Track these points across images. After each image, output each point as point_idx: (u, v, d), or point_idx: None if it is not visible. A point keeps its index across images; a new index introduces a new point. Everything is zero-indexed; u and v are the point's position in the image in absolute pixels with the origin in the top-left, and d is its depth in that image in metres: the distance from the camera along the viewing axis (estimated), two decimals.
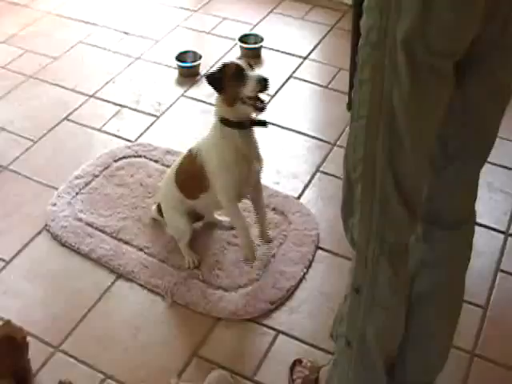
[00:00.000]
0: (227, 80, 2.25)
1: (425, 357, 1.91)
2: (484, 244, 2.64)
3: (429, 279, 1.82)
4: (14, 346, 2.15)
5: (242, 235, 2.51)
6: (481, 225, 2.71)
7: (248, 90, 2.23)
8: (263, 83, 2.22)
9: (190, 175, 2.49)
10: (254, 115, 2.33)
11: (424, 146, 1.52)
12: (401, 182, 1.52)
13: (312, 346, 2.31)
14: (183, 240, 2.57)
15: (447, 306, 1.87)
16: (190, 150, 2.50)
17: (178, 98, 3.43)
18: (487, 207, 2.80)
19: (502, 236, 2.71)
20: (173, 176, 2.55)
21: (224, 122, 2.33)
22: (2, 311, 2.42)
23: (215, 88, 2.30)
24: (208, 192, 2.46)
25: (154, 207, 2.72)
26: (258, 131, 2.41)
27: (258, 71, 2.34)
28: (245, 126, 2.34)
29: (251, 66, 2.30)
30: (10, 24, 4.01)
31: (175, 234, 2.61)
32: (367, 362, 1.80)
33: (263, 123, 2.37)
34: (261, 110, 2.28)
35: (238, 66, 2.26)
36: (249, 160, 2.39)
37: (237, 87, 2.24)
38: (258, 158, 2.43)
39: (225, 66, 2.29)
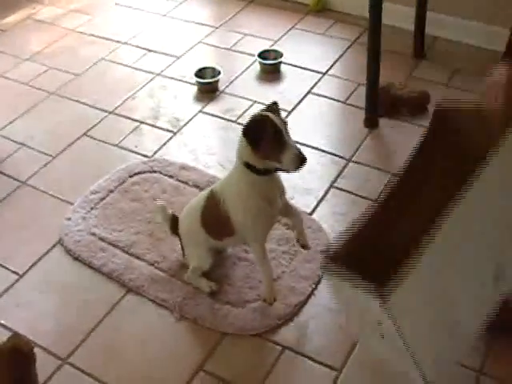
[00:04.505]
0: (266, 140, 2.16)
1: None
2: None
3: None
4: (20, 358, 2.17)
5: (265, 277, 2.49)
6: None
7: (285, 161, 2.17)
8: (301, 160, 2.17)
9: (216, 220, 2.43)
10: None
11: None
12: None
13: (318, 362, 2.31)
14: (200, 270, 2.53)
15: None
16: (212, 192, 2.45)
17: (196, 114, 3.46)
18: None
19: None
20: (199, 218, 2.48)
21: (250, 167, 2.26)
22: (13, 324, 2.47)
23: (253, 144, 2.20)
24: (234, 236, 2.43)
25: (168, 212, 2.62)
26: None
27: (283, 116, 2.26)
28: (271, 172, 2.29)
29: (285, 124, 2.21)
30: (36, 41, 4.10)
31: (194, 262, 2.54)
32: None
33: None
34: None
35: (276, 128, 2.15)
36: (273, 202, 2.34)
37: (275, 151, 2.17)
38: (282, 195, 2.40)
39: (264, 123, 2.17)
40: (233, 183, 2.35)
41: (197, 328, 2.44)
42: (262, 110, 2.27)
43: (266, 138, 2.16)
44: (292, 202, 2.86)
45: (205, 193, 2.52)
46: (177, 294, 2.53)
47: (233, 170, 2.37)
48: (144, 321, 2.48)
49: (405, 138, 3.26)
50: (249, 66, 3.80)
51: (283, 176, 2.35)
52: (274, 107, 2.28)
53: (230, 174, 2.40)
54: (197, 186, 2.99)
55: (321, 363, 2.30)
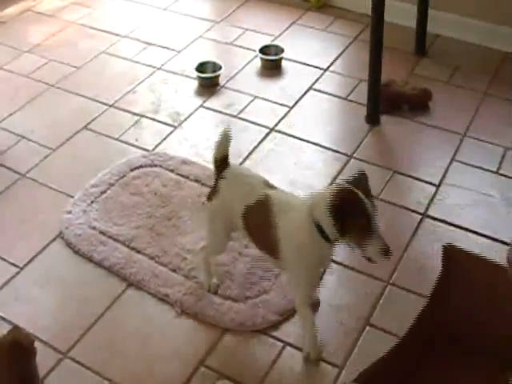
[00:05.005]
0: (354, 225, 1.97)
1: None
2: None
3: None
4: (21, 351, 2.17)
5: (306, 329, 2.30)
6: (496, 240, 2.69)
7: (369, 250, 2.00)
8: (386, 253, 1.99)
9: (260, 227, 2.20)
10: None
11: None
12: None
13: (319, 359, 2.30)
14: (210, 254, 2.48)
15: None
16: (266, 197, 2.17)
17: (197, 109, 3.45)
18: (506, 222, 2.77)
19: None
20: (241, 212, 2.22)
21: (319, 229, 2.05)
22: (13, 317, 2.45)
23: (337, 223, 1.97)
24: (277, 260, 2.22)
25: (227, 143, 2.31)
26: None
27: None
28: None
29: (375, 207, 2.00)
30: (36, 34, 4.08)
31: (209, 240, 2.47)
32: None
33: None
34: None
35: (367, 214, 1.95)
36: (323, 265, 2.30)
37: (359, 238, 2.00)
38: (327, 265, 2.39)
39: (356, 206, 1.96)
40: (295, 229, 2.10)
41: (198, 323, 2.43)
42: (350, 182, 2.03)
43: (354, 223, 1.97)
44: None
45: (257, 189, 2.22)
46: (178, 288, 2.52)
47: (300, 213, 2.09)
48: (145, 315, 2.47)
49: (406, 135, 3.26)
50: (250, 61, 3.79)
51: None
52: (363, 181, 2.05)
53: (296, 212, 2.11)
54: (197, 181, 2.98)
55: (322, 360, 2.30)
